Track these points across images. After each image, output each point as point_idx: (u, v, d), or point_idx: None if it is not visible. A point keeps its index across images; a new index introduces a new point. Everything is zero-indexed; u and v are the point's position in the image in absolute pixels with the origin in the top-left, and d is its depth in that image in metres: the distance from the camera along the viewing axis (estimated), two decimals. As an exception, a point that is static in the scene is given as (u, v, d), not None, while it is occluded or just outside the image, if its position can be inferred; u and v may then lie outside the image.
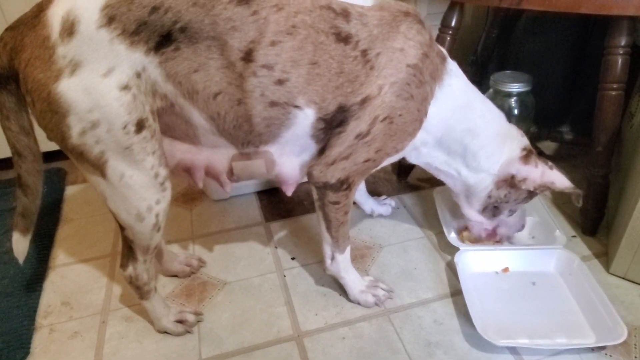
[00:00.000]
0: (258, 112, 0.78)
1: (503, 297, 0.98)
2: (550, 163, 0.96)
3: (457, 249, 1.04)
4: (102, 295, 1.05)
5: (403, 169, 1.39)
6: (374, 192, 1.33)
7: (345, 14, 0.78)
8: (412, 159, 0.99)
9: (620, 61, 0.99)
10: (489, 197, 0.99)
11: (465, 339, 0.91)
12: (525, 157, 0.95)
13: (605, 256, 1.08)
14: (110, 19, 0.67)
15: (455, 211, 1.16)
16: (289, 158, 0.89)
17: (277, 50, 0.74)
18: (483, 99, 0.96)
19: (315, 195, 0.90)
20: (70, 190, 1.43)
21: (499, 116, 0.97)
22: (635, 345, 0.88)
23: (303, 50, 0.75)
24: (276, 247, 1.17)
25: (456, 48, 1.00)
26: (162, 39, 0.70)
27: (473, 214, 1.04)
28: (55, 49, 0.67)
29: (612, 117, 1.03)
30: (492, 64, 1.63)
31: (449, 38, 1.19)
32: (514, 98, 1.26)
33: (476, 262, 1.04)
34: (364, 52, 0.79)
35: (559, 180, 0.94)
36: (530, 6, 1.03)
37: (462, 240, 1.11)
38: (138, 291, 0.90)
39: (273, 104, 0.78)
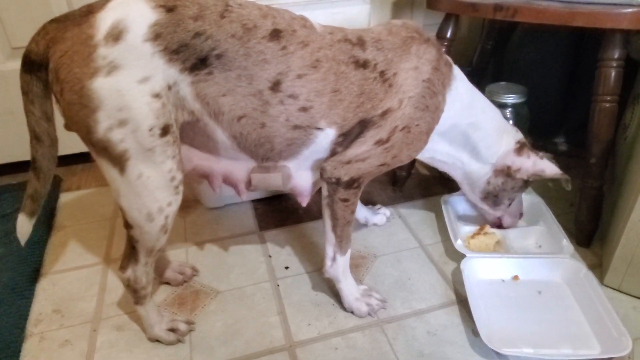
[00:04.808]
0: (281, 134, 0.84)
1: (508, 305, 0.98)
2: (540, 153, 1.04)
3: (456, 258, 1.03)
4: (94, 303, 1.04)
5: (398, 178, 1.39)
6: (368, 201, 1.33)
7: (361, 42, 0.85)
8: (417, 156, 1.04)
9: (613, 74, 1.00)
10: (488, 183, 1.06)
11: (458, 350, 0.90)
12: (519, 149, 1.03)
13: (599, 268, 1.08)
14: (156, 35, 0.72)
15: (463, 218, 1.19)
16: (305, 172, 0.94)
17: (302, 82, 0.81)
18: (482, 96, 1.04)
19: (324, 192, 0.92)
20: (64, 198, 1.42)
21: (497, 112, 1.05)
22: (629, 357, 0.87)
23: (326, 81, 0.82)
24: (270, 256, 1.16)
25: (452, 59, 1.01)
26: (198, 62, 0.75)
27: (478, 200, 1.12)
28: (97, 49, 0.70)
29: (606, 129, 1.04)
30: (487, 75, 1.64)
31: (444, 49, 1.20)
32: (509, 109, 1.27)
33: (482, 270, 1.04)
34: (382, 73, 0.86)
35: (549, 168, 1.02)
36: (525, 19, 1.04)
37: (469, 247, 1.10)
38: (135, 295, 0.90)
39: (296, 127, 0.84)
